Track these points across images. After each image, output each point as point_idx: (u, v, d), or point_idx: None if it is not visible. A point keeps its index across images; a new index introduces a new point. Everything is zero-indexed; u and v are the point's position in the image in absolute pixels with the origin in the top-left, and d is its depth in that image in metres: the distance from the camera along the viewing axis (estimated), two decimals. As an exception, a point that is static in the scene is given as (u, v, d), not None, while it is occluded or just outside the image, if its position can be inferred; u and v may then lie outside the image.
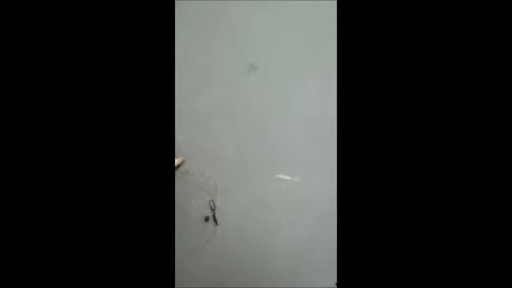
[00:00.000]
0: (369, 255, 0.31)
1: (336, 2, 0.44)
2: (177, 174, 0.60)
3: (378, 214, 0.31)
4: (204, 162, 0.61)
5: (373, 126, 0.31)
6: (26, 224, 0.30)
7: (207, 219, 0.62)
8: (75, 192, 0.30)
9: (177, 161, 0.53)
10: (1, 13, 0.28)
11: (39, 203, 0.30)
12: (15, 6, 0.28)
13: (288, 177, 0.62)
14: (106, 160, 0.30)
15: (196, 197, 0.61)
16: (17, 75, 0.29)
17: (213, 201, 0.62)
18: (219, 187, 0.61)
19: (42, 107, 0.29)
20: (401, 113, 0.30)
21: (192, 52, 0.56)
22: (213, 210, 0.62)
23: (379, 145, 0.31)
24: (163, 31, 0.30)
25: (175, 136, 0.59)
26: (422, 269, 0.30)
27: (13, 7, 0.28)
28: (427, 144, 0.30)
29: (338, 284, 0.36)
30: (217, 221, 0.62)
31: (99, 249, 0.31)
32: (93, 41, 0.29)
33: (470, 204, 0.29)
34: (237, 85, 0.57)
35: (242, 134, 0.60)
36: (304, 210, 0.60)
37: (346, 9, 0.31)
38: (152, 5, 0.29)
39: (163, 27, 0.30)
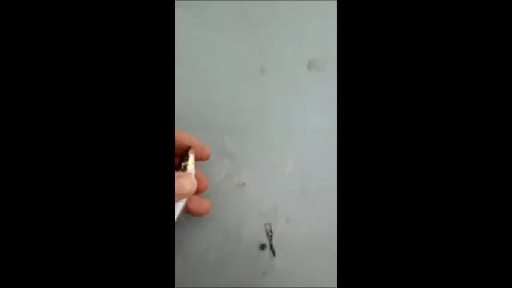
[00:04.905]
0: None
1: (335, 2, 0.42)
2: (232, 186, 0.51)
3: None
4: (261, 176, 0.52)
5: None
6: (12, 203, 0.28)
7: (262, 247, 0.49)
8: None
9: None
10: (1, 13, 0.27)
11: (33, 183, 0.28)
12: (15, 6, 0.28)
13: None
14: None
15: (250, 218, 0.50)
16: (17, 75, 0.28)
17: (269, 224, 0.50)
18: (279, 209, 0.51)
19: (43, 105, 0.29)
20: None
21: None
22: (269, 236, 0.50)
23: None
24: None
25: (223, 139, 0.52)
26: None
27: (13, 7, 0.28)
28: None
29: (338, 284, 0.31)
30: (275, 250, 0.49)
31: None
32: (93, 40, 0.29)
33: (470, 205, 0.28)
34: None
35: (302, 149, 0.53)
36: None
37: (346, 9, 0.30)
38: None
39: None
